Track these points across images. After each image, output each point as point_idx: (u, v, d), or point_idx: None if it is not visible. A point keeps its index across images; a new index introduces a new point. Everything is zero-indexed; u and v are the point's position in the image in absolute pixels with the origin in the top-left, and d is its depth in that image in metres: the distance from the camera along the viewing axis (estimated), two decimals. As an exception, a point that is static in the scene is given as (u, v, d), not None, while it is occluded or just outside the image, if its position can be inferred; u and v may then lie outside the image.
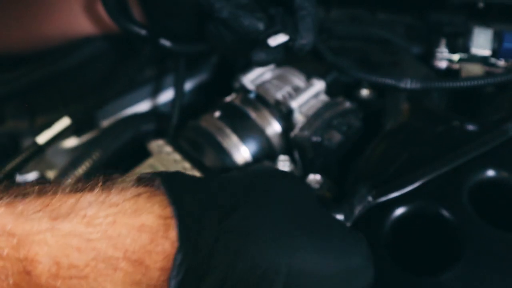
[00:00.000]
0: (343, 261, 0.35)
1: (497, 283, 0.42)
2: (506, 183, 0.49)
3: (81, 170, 0.72)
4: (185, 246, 0.28)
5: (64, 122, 0.59)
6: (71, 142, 0.82)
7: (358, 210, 0.46)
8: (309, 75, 0.67)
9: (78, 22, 0.71)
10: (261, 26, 0.55)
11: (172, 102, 0.74)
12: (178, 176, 0.35)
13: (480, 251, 0.43)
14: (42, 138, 0.59)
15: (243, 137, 0.62)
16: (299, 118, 0.61)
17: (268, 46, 0.55)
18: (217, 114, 0.65)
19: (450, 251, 0.45)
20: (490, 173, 0.49)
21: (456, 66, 0.70)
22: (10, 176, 0.59)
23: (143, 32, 0.65)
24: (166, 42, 0.67)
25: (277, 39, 0.54)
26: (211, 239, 0.29)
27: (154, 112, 0.86)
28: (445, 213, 0.46)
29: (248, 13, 0.55)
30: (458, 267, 0.43)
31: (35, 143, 0.59)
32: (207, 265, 0.28)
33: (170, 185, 0.32)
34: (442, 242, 0.46)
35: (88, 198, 0.31)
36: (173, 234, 0.29)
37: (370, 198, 0.46)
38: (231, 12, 0.55)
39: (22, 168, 0.59)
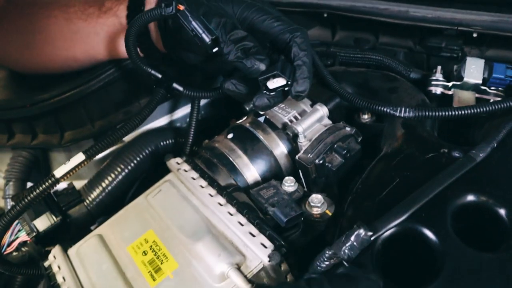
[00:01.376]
0: None
1: (471, 297, 0.48)
2: (484, 207, 0.55)
3: (106, 181, 0.80)
4: None
5: (79, 158, 0.66)
6: (95, 154, 0.90)
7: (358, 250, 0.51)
8: (314, 100, 0.73)
9: (99, 50, 0.77)
10: (262, 67, 0.62)
11: (187, 126, 0.80)
12: None
13: (457, 268, 0.50)
14: (59, 173, 0.65)
15: (252, 158, 0.69)
16: (303, 141, 0.68)
17: (268, 90, 0.61)
18: (229, 135, 0.72)
19: (432, 267, 0.51)
20: (471, 197, 0.55)
21: (450, 92, 0.76)
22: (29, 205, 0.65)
23: (159, 76, 0.72)
24: (179, 87, 0.74)
25: (276, 83, 0.61)
26: None
27: (172, 127, 0.93)
28: (429, 234, 0.53)
29: (252, 56, 0.62)
30: (437, 282, 0.49)
31: (53, 176, 0.65)
32: None
33: None
34: (426, 259, 0.53)
35: None
36: None
37: (366, 237, 0.51)
38: (237, 55, 0.62)
39: (39, 198, 0.65)
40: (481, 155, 0.57)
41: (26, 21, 0.78)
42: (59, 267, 0.64)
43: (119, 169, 0.81)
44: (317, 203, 0.63)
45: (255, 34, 0.65)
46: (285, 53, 0.65)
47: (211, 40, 0.61)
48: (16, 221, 0.71)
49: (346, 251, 0.50)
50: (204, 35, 0.61)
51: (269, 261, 0.54)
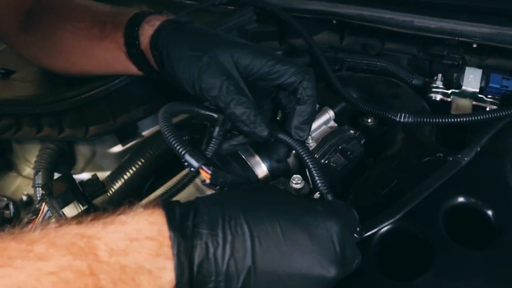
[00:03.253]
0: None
1: (457, 289, 0.54)
2: (473, 208, 0.61)
3: (128, 174, 0.86)
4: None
5: None
6: (116, 148, 0.97)
7: None
8: (321, 103, 0.79)
9: (109, 67, 0.81)
10: (265, 133, 0.62)
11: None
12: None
13: (446, 264, 0.56)
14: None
15: (264, 157, 0.75)
16: (310, 142, 0.74)
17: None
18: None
19: (424, 262, 0.57)
20: (461, 199, 0.61)
21: (449, 99, 0.82)
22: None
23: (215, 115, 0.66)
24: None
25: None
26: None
27: (188, 123, 0.99)
28: (422, 231, 0.59)
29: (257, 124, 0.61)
30: (427, 275, 0.55)
31: None
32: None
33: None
34: (418, 254, 0.59)
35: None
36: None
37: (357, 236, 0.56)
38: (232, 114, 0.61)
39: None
40: (465, 159, 0.63)
41: (44, 28, 0.82)
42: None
43: (139, 163, 0.87)
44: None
45: (258, 79, 0.64)
46: (289, 91, 0.65)
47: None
48: (46, 208, 0.78)
49: None
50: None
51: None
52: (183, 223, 0.44)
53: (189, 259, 0.42)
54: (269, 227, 0.45)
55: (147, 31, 0.70)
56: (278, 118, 0.72)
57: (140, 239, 0.42)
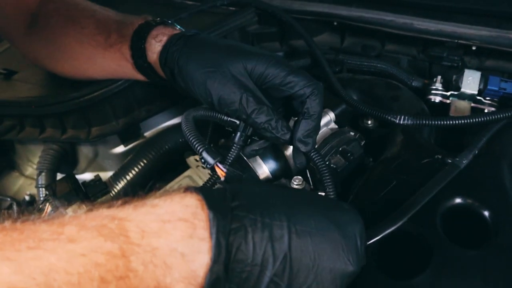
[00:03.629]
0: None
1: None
2: (470, 209, 0.62)
3: (130, 174, 0.88)
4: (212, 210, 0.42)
5: None
6: (118, 149, 0.98)
7: None
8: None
9: (113, 73, 0.82)
10: (287, 137, 0.64)
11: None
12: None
13: (443, 263, 0.57)
14: None
15: (265, 158, 0.76)
16: (311, 144, 0.75)
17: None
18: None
19: (422, 262, 0.58)
20: (458, 200, 0.62)
21: (448, 101, 0.82)
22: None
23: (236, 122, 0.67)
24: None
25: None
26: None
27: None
28: (420, 232, 0.60)
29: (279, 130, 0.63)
30: (426, 273, 0.56)
31: None
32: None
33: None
34: (416, 254, 0.60)
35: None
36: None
37: None
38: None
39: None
40: (464, 161, 0.64)
41: (49, 32, 0.83)
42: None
43: (141, 164, 0.88)
44: (322, 200, 0.69)
45: (270, 88, 0.66)
46: (297, 101, 0.67)
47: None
48: (50, 209, 0.79)
49: None
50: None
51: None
52: (222, 204, 0.43)
53: (227, 240, 0.42)
54: (304, 217, 0.46)
55: (154, 47, 0.71)
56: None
57: (173, 221, 0.41)
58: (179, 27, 0.76)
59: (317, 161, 0.64)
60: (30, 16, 0.85)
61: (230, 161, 0.64)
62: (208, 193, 0.44)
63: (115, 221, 0.40)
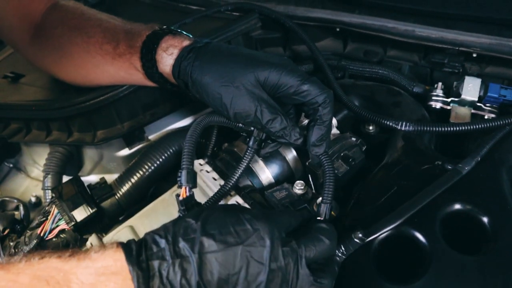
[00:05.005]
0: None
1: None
2: (469, 214, 0.63)
3: (135, 177, 0.89)
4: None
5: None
6: (123, 152, 0.99)
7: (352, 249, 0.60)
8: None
9: (119, 80, 0.84)
10: (300, 141, 0.67)
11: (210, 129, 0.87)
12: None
13: (442, 268, 0.58)
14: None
15: (268, 163, 0.77)
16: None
17: None
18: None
19: (421, 266, 0.60)
20: (458, 206, 0.63)
21: (448, 107, 0.84)
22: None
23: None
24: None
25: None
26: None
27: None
28: (420, 237, 0.61)
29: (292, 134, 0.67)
30: (424, 278, 0.57)
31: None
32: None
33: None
34: (416, 259, 0.61)
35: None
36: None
37: (360, 242, 0.60)
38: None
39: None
40: (466, 168, 0.65)
41: (55, 41, 0.85)
42: (96, 253, 0.73)
43: (146, 167, 0.89)
44: (324, 205, 0.70)
45: (283, 97, 0.68)
46: (308, 107, 0.68)
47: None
48: (57, 211, 0.81)
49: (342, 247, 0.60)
50: None
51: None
52: (139, 257, 0.50)
53: (147, 286, 0.49)
54: (206, 246, 0.51)
55: (166, 59, 0.73)
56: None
57: (107, 274, 0.49)
58: (187, 34, 0.77)
59: (326, 165, 0.67)
60: (34, 27, 0.87)
61: (246, 162, 0.71)
62: (129, 248, 0.51)
63: (61, 274, 0.47)
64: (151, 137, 0.99)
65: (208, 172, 0.79)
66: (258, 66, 0.67)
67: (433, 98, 0.84)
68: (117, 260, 0.49)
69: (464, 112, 0.81)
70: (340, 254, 0.60)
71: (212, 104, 0.68)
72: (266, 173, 0.77)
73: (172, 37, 0.74)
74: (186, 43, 0.72)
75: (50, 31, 0.85)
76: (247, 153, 0.71)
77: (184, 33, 0.77)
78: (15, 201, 0.98)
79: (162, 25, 0.78)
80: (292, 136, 0.67)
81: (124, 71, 0.79)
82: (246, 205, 0.71)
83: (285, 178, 0.78)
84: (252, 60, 0.68)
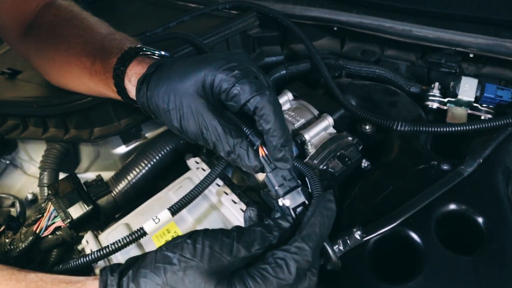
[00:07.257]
0: None
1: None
2: (465, 215, 0.63)
3: (131, 175, 0.89)
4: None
5: (166, 215, 0.68)
6: (120, 149, 0.99)
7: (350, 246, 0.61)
8: (321, 109, 0.81)
9: (104, 93, 0.80)
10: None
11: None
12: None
13: (437, 268, 0.58)
14: (149, 228, 0.67)
15: (264, 161, 0.77)
16: (310, 148, 0.76)
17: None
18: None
19: (416, 266, 0.60)
20: (453, 206, 0.63)
21: (445, 107, 0.84)
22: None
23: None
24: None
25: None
26: None
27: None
28: (415, 237, 0.61)
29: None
30: (419, 278, 0.58)
31: (142, 229, 0.68)
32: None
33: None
34: (411, 258, 0.61)
35: None
36: None
37: (359, 238, 0.60)
38: None
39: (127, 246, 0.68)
40: (468, 170, 0.65)
41: (41, 45, 0.84)
42: (91, 251, 0.73)
43: (142, 164, 0.89)
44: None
45: (225, 100, 0.60)
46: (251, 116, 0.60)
47: None
48: (53, 208, 0.81)
49: (341, 244, 0.60)
50: None
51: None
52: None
53: None
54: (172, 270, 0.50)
55: (132, 90, 0.70)
56: None
57: None
58: (153, 52, 0.73)
59: (302, 169, 0.65)
60: (25, 25, 0.87)
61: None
62: (105, 278, 0.52)
63: None
64: (148, 134, 0.99)
65: (204, 170, 0.79)
66: (196, 70, 0.60)
67: (430, 98, 0.84)
68: None
69: (461, 112, 0.82)
70: (337, 250, 0.60)
71: (176, 132, 0.65)
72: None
73: (138, 63, 0.70)
74: (144, 68, 0.68)
75: (38, 33, 0.85)
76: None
77: (151, 51, 0.74)
78: (11, 198, 0.98)
79: (160, 22, 0.77)
80: (245, 160, 0.59)
81: (102, 88, 0.78)
82: (242, 204, 0.71)
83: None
84: (192, 66, 0.61)
